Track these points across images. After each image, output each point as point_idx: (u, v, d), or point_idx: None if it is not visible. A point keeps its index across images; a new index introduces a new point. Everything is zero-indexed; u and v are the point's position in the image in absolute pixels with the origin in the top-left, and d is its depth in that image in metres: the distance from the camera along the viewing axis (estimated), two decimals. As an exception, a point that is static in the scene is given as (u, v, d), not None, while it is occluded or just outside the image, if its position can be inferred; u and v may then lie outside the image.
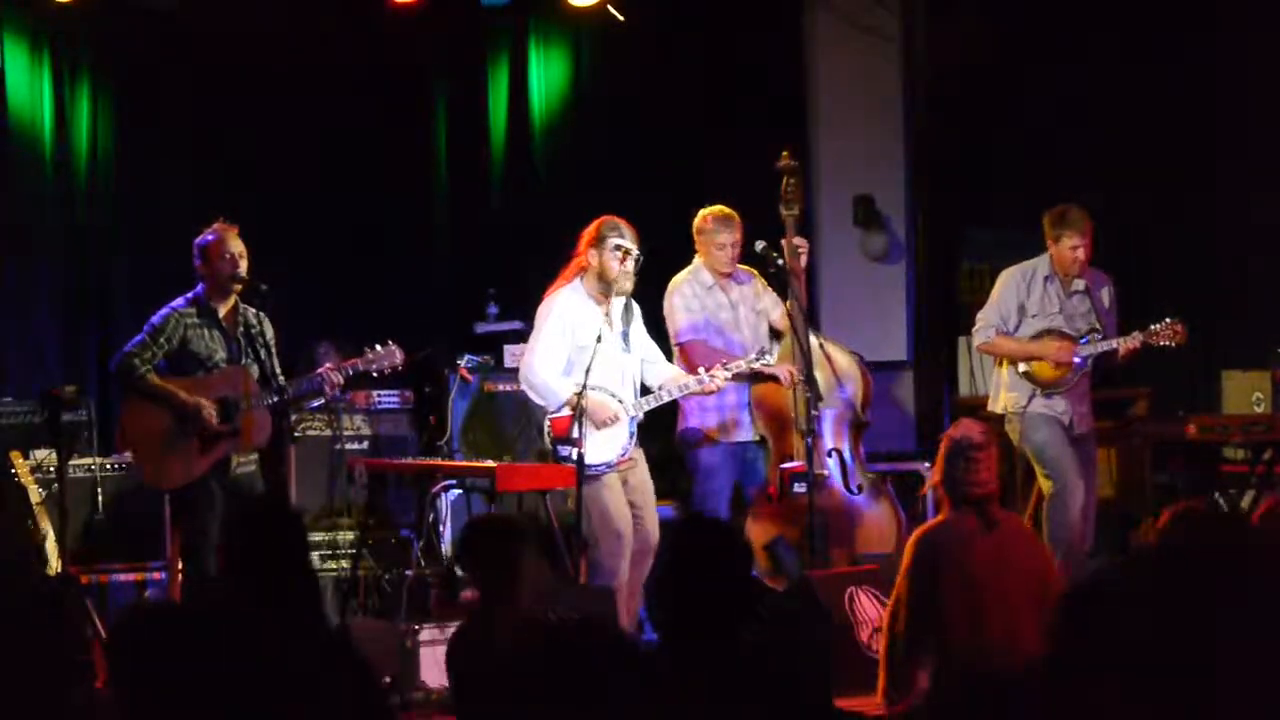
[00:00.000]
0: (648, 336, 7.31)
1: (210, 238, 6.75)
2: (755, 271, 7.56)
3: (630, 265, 7.01)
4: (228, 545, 3.91)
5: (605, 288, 7.05)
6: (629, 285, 7.07)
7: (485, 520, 5.32)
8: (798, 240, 7.44)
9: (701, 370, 7.09)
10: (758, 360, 7.15)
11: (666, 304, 7.56)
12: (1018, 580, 5.26)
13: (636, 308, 7.25)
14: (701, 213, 7.57)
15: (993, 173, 9.74)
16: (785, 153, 7.59)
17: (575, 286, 7.12)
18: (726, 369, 7.08)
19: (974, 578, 5.25)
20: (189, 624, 3.57)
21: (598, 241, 7.04)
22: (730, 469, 7.53)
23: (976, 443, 5.37)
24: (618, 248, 6.99)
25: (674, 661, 3.51)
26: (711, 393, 7.17)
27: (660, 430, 8.15)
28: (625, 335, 7.14)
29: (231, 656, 3.57)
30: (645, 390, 7.20)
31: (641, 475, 7.14)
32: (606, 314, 7.04)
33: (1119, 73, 9.47)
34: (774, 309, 7.52)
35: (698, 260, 7.59)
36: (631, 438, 7.03)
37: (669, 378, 7.20)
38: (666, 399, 7.16)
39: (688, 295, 7.53)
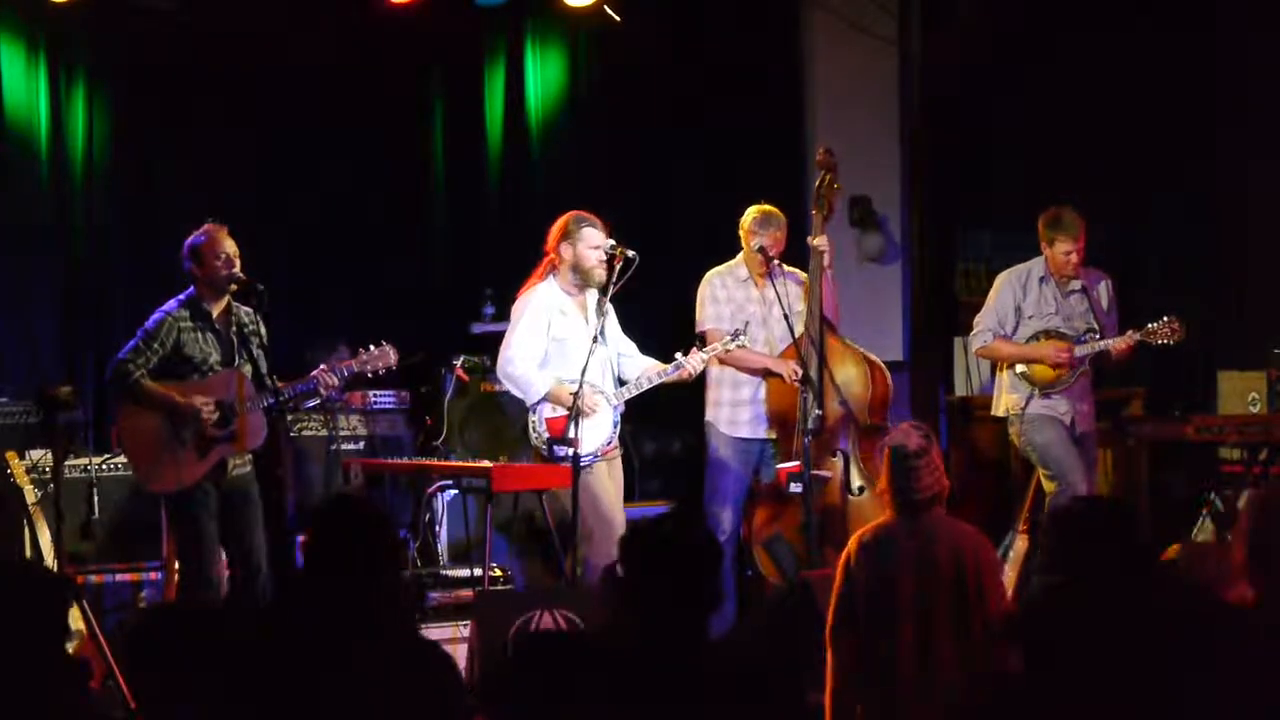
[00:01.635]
0: (622, 332, 7.35)
1: (201, 239, 6.70)
2: (802, 274, 7.54)
3: (600, 269, 7.04)
4: (313, 545, 3.87)
5: (580, 279, 7.09)
6: (602, 275, 7.08)
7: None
8: (819, 240, 7.44)
9: (679, 355, 7.12)
10: (732, 342, 7.18)
11: (698, 292, 7.62)
12: (934, 586, 5.26)
13: (609, 306, 7.26)
14: (749, 210, 7.59)
15: (989, 173, 9.74)
16: (824, 149, 7.58)
17: (550, 282, 7.19)
18: (703, 353, 7.12)
19: (892, 580, 5.27)
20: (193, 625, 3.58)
21: (567, 235, 7.10)
22: (742, 465, 7.56)
23: (911, 451, 5.36)
24: (613, 248, 7.02)
25: (641, 658, 3.49)
26: (687, 378, 7.19)
27: (658, 430, 8.16)
28: (602, 329, 7.18)
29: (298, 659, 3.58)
30: (623, 384, 7.22)
31: (617, 467, 7.21)
32: (585, 307, 7.08)
33: (1117, 73, 9.46)
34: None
35: (740, 255, 7.61)
36: (615, 427, 7.08)
37: (646, 367, 7.23)
38: (647, 386, 7.18)
39: (716, 286, 7.59)
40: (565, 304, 7.14)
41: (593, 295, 7.16)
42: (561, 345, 7.06)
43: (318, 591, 3.74)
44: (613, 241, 7.06)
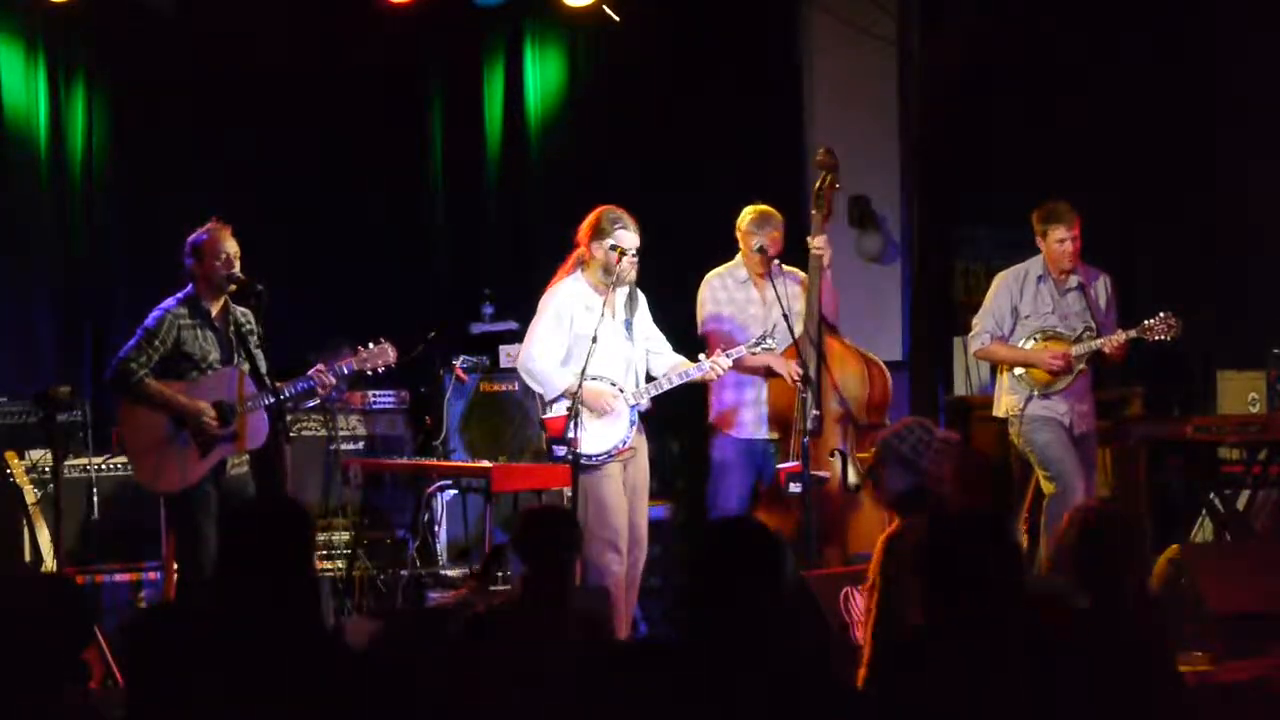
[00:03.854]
0: (653, 326, 7.29)
1: (204, 237, 6.72)
2: (801, 274, 7.54)
3: (628, 262, 7.01)
4: (228, 543, 3.89)
5: (608, 277, 7.04)
6: (633, 274, 7.06)
7: (542, 512, 5.25)
8: (819, 240, 7.44)
9: (702, 357, 7.09)
10: (758, 346, 7.14)
11: (699, 294, 7.61)
12: None
13: (641, 297, 7.23)
14: (744, 211, 7.58)
15: (988, 173, 9.73)
16: (825, 149, 7.57)
17: (576, 277, 7.11)
18: (728, 355, 7.08)
19: None
20: (191, 626, 3.59)
21: (598, 233, 7.03)
22: (745, 466, 7.54)
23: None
24: (614, 248, 6.98)
25: (712, 663, 3.47)
26: (711, 379, 7.16)
27: (658, 430, 8.16)
28: (628, 324, 7.13)
29: (231, 658, 3.58)
30: (651, 380, 7.19)
31: (640, 465, 7.11)
32: (607, 303, 7.02)
33: (1117, 72, 9.46)
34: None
35: (738, 256, 7.61)
36: (633, 426, 7.01)
37: (671, 365, 7.20)
38: (668, 386, 7.13)
39: (716, 287, 7.58)
40: (591, 300, 7.03)
41: (622, 290, 7.13)
42: (584, 342, 6.93)
43: (229, 589, 3.75)
44: (613, 241, 7.02)
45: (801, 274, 7.56)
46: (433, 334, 8.12)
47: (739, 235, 7.58)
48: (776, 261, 7.49)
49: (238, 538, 3.84)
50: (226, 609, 3.71)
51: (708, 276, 7.65)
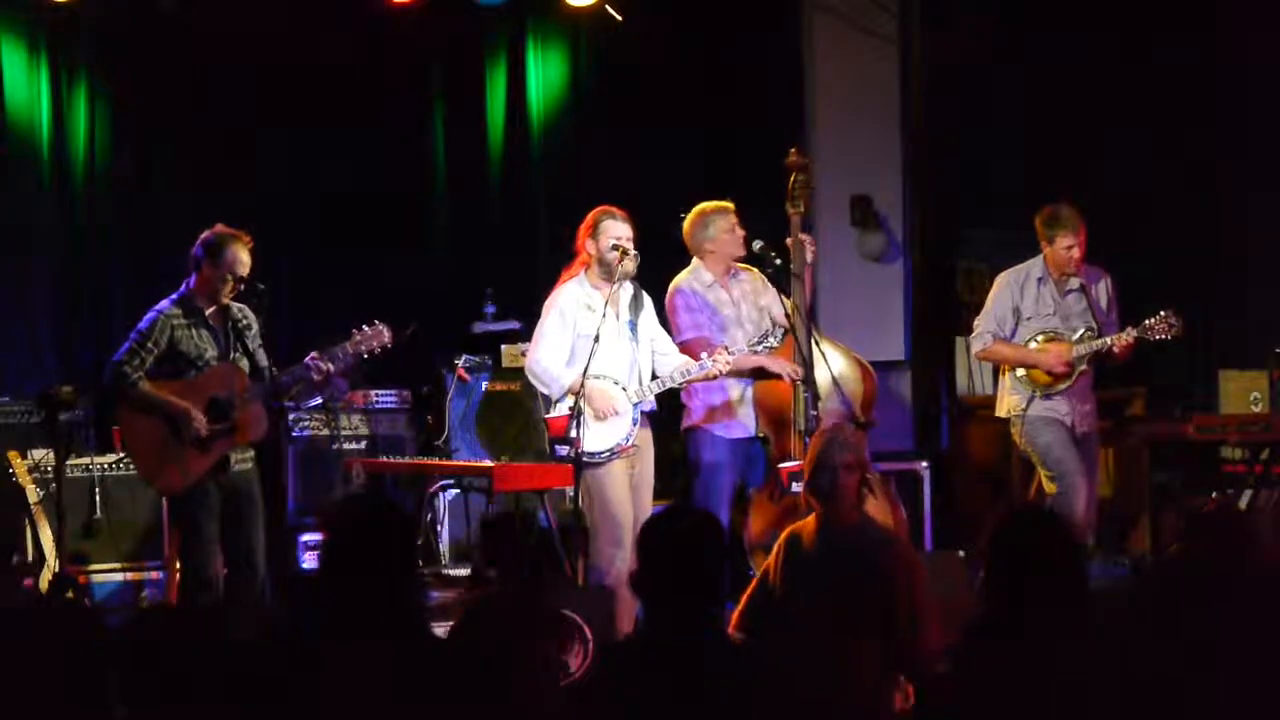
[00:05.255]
0: (659, 327, 7.30)
1: (221, 240, 6.60)
2: (753, 269, 7.55)
3: (629, 261, 7.03)
4: (334, 544, 3.90)
5: (605, 273, 7.06)
6: (632, 268, 7.07)
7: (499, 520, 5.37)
8: (804, 238, 7.44)
9: (704, 355, 7.09)
10: (760, 344, 7.15)
11: (668, 304, 7.56)
12: None
13: (647, 298, 7.24)
14: (693, 212, 7.55)
15: (990, 173, 9.73)
16: (794, 149, 7.58)
17: (580, 279, 7.14)
18: (730, 353, 7.08)
19: None
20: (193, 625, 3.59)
21: (595, 232, 7.07)
22: (732, 466, 7.53)
23: None
24: (615, 247, 7.00)
25: (651, 648, 3.55)
26: (714, 378, 7.16)
27: (657, 430, 8.17)
28: (632, 325, 7.14)
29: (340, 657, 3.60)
30: (655, 379, 7.18)
31: (645, 462, 7.13)
32: (610, 304, 7.03)
33: (1118, 73, 9.47)
34: (775, 304, 7.49)
35: (696, 260, 7.59)
36: (635, 424, 7.02)
37: (674, 365, 7.21)
38: (671, 385, 7.15)
39: (688, 294, 7.54)
40: (594, 300, 7.06)
41: (627, 292, 7.14)
42: (586, 342, 6.95)
43: (335, 591, 3.75)
44: (614, 241, 7.03)
45: (755, 271, 7.54)
46: (413, 326, 8.09)
47: (687, 238, 7.56)
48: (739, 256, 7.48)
49: (347, 539, 3.84)
50: (335, 609, 3.72)
51: (674, 285, 7.56)
